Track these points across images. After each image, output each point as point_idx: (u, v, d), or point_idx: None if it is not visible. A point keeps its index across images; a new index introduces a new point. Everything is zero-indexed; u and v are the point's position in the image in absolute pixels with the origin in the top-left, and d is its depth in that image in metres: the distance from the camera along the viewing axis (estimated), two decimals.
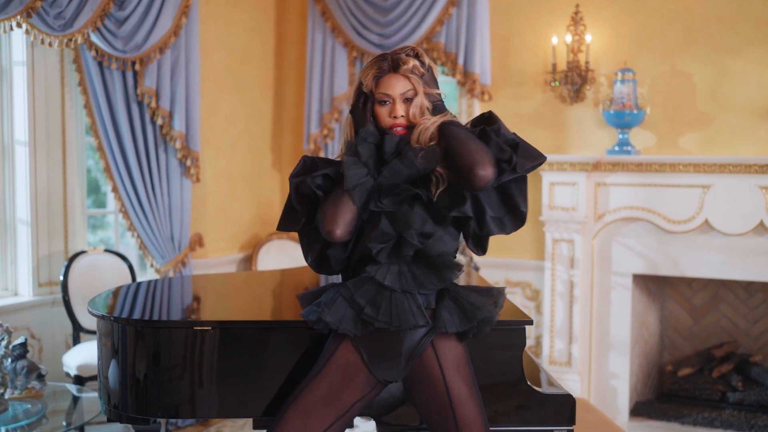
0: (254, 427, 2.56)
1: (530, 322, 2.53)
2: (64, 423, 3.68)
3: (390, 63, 2.23)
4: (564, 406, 2.50)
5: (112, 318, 2.59)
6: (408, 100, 2.23)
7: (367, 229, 2.22)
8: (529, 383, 2.47)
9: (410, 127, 2.23)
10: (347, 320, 2.19)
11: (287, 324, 2.53)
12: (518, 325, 2.50)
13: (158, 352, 2.50)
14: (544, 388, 2.55)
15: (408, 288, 2.17)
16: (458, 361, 2.26)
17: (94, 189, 6.92)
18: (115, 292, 3.07)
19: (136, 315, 2.74)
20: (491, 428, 2.36)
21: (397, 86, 2.22)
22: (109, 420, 2.72)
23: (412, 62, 2.23)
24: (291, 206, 2.31)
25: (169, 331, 2.50)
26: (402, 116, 2.21)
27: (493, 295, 2.26)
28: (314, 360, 2.38)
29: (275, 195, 5.94)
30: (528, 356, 2.90)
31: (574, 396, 2.52)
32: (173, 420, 4.63)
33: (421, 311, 2.18)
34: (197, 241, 5.08)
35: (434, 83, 2.30)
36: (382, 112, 2.24)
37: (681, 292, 5.38)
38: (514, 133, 2.19)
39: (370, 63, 2.28)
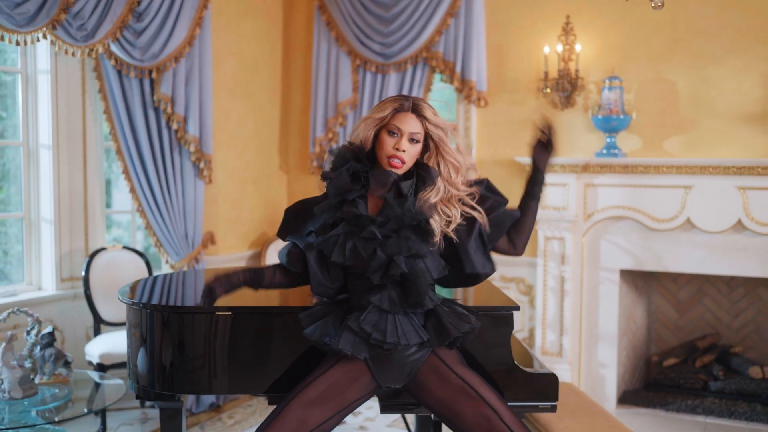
0: (270, 403, 2.86)
1: (517, 308, 2.83)
2: (86, 409, 3.94)
3: (411, 104, 2.50)
4: (548, 384, 2.78)
5: (141, 305, 2.89)
6: (413, 141, 2.48)
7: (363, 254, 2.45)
8: (516, 363, 2.76)
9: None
10: (358, 346, 2.46)
11: (292, 310, 2.82)
12: (507, 311, 2.80)
13: (182, 336, 2.79)
14: (532, 369, 2.84)
15: (398, 311, 2.46)
16: (459, 359, 2.57)
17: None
18: (141, 284, 3.37)
19: (163, 302, 3.04)
20: None
21: (409, 124, 2.47)
22: (138, 397, 3.01)
23: (430, 110, 2.50)
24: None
25: (192, 317, 2.80)
26: (404, 152, 2.46)
27: (470, 320, 2.53)
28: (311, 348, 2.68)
29: (282, 196, 6.24)
30: (520, 344, 3.19)
31: (557, 375, 2.80)
32: (187, 407, 4.93)
33: (421, 330, 2.48)
34: (209, 239, 5.37)
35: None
36: (389, 141, 2.46)
37: (667, 288, 5.67)
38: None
39: (392, 98, 2.51)
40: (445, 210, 2.50)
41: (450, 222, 2.49)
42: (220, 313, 2.79)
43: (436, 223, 2.46)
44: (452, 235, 2.49)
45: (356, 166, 2.49)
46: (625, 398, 5.34)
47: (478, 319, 2.54)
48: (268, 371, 2.77)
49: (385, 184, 2.49)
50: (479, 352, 2.71)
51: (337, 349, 2.45)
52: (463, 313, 2.54)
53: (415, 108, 2.49)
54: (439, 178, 2.51)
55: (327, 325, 2.53)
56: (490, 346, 2.74)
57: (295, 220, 2.62)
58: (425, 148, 2.54)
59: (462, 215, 2.51)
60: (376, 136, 2.51)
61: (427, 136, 2.51)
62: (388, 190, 2.49)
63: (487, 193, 2.60)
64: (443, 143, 2.52)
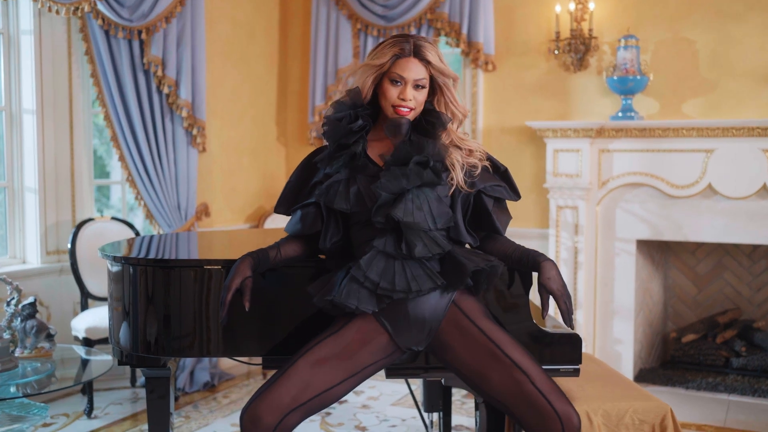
0: (264, 368, 2.58)
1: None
2: (71, 383, 3.70)
3: (412, 47, 2.23)
4: (571, 345, 2.51)
5: (123, 260, 2.62)
6: (418, 87, 2.24)
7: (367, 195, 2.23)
8: (534, 321, 2.50)
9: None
10: (364, 299, 2.18)
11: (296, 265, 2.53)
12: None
13: (168, 292, 2.52)
14: (551, 329, 2.58)
15: (405, 256, 2.18)
16: (483, 312, 2.27)
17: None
18: (130, 242, 3.11)
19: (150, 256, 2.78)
20: None
21: (413, 70, 2.22)
22: (120, 363, 2.75)
23: (434, 52, 2.25)
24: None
25: (179, 271, 2.53)
26: (411, 100, 2.23)
27: (491, 259, 2.26)
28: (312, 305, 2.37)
29: (280, 168, 5.98)
30: (536, 307, 2.93)
31: (580, 336, 2.54)
32: (180, 386, 4.68)
33: (435, 273, 2.20)
34: (203, 211, 5.12)
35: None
36: (392, 90, 2.23)
37: (684, 261, 5.40)
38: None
39: (390, 41, 2.26)
40: (450, 155, 2.28)
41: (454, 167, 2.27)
42: (209, 267, 2.52)
43: (453, 170, 2.25)
44: (460, 182, 2.26)
45: (357, 112, 2.26)
46: (642, 376, 5.07)
47: (496, 263, 2.25)
48: (268, 331, 2.48)
49: (399, 132, 2.26)
50: (497, 311, 2.45)
51: (341, 303, 2.17)
52: (483, 255, 2.27)
53: (418, 51, 2.23)
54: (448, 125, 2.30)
55: (331, 283, 2.25)
56: (509, 306, 2.47)
57: (297, 190, 2.39)
58: (432, 90, 2.31)
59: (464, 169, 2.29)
60: (378, 83, 2.27)
61: (432, 79, 2.28)
62: (404, 137, 2.26)
63: (497, 175, 2.37)
64: (448, 89, 2.30)
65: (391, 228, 2.20)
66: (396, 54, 2.23)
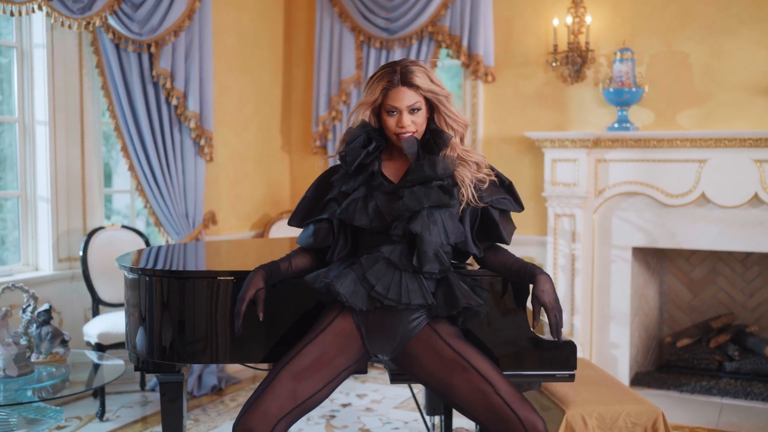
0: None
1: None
2: (84, 388, 3.82)
3: (399, 76, 2.36)
4: (566, 352, 2.64)
5: (140, 271, 2.75)
6: (414, 111, 2.37)
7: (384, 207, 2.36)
8: (533, 330, 2.63)
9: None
10: (357, 295, 2.32)
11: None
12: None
13: (183, 301, 2.65)
14: (547, 337, 2.70)
15: (409, 269, 2.33)
16: (456, 334, 2.40)
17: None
18: (144, 253, 3.25)
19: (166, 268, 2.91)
20: None
21: (404, 99, 2.35)
22: (136, 369, 2.88)
23: (421, 74, 2.37)
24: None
25: (193, 282, 2.66)
26: (409, 125, 2.36)
27: (478, 300, 2.38)
28: (314, 315, 2.53)
29: (284, 176, 6.11)
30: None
31: (575, 343, 2.67)
32: (188, 390, 4.81)
33: (428, 293, 2.34)
34: (210, 219, 5.25)
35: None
36: (389, 121, 2.37)
37: (680, 267, 5.54)
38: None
39: (379, 74, 2.39)
40: (460, 171, 2.42)
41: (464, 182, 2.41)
42: (222, 278, 2.65)
43: (464, 186, 2.40)
44: (471, 198, 2.40)
45: (369, 134, 2.42)
46: (638, 380, 5.21)
47: (485, 303, 2.40)
48: (273, 339, 2.62)
49: (413, 151, 2.39)
50: (496, 319, 2.58)
51: (336, 292, 2.31)
52: (472, 288, 2.41)
53: (405, 79, 2.36)
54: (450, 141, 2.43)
55: (329, 272, 2.40)
56: (507, 313, 2.61)
57: (311, 206, 2.53)
58: (430, 107, 2.44)
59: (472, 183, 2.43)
60: (378, 115, 2.43)
61: (427, 101, 2.42)
62: (417, 154, 2.40)
63: (502, 188, 2.50)
64: (443, 106, 2.42)
65: (404, 241, 2.34)
66: (385, 87, 2.36)
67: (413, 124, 2.37)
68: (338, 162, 2.48)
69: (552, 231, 5.20)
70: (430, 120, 2.45)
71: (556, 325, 2.37)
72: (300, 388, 2.31)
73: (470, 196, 2.39)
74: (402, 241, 2.34)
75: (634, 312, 5.21)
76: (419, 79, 2.36)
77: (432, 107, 2.43)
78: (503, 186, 2.51)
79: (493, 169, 2.50)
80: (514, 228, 2.51)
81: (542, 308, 2.38)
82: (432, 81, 2.40)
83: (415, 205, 2.31)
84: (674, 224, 4.96)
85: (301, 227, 2.56)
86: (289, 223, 2.59)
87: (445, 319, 2.41)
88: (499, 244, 2.51)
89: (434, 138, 2.42)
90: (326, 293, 2.37)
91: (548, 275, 2.41)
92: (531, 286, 2.44)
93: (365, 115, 2.41)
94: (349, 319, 2.39)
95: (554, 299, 2.36)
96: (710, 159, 4.81)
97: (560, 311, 2.38)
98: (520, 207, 2.51)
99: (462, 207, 2.41)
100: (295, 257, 2.52)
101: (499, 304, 2.59)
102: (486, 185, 2.43)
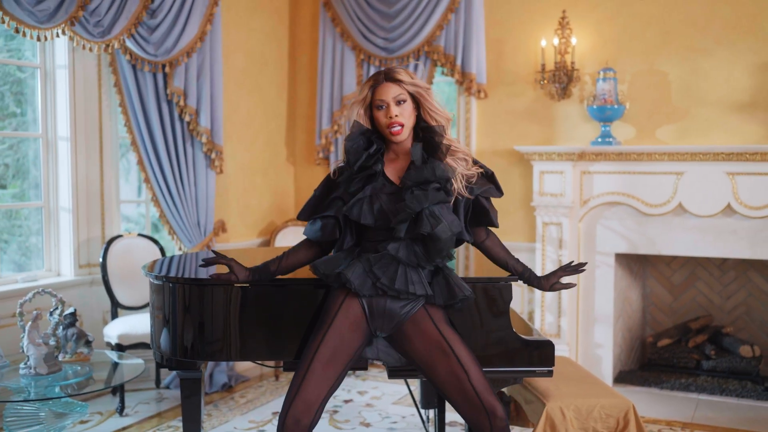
0: (284, 369, 3.05)
1: (515, 279, 3.03)
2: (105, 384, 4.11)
3: (383, 75, 2.69)
4: (545, 350, 2.97)
5: (164, 278, 3.09)
6: (400, 102, 2.67)
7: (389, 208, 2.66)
8: (514, 330, 2.96)
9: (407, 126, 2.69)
10: (365, 285, 2.63)
11: (300, 282, 2.96)
12: (506, 282, 2.99)
13: (203, 305, 2.98)
14: (530, 336, 3.03)
15: (414, 263, 2.64)
16: (445, 319, 2.73)
17: None
18: (158, 262, 3.57)
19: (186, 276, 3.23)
20: (483, 369, 2.83)
21: (389, 91, 2.63)
22: (160, 366, 3.20)
23: (403, 72, 2.68)
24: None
25: (211, 288, 2.99)
26: (397, 116, 2.65)
27: (466, 290, 2.73)
28: (314, 317, 2.84)
29: (289, 186, 6.46)
30: (520, 318, 3.38)
31: (553, 342, 3.00)
32: None
33: (426, 283, 2.66)
34: (220, 227, 5.59)
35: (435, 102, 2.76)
36: (380, 115, 2.65)
37: (661, 272, 5.88)
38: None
39: (367, 79, 2.70)
40: (451, 164, 2.71)
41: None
42: (238, 285, 2.97)
43: (455, 181, 2.69)
44: (463, 190, 2.70)
45: (368, 137, 2.70)
46: (621, 377, 5.55)
47: (472, 293, 2.75)
48: (281, 341, 2.92)
49: (419, 156, 2.66)
50: (484, 320, 2.90)
51: (345, 279, 2.61)
52: (461, 280, 2.75)
53: (389, 76, 2.67)
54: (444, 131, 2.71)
55: (338, 260, 2.70)
56: (493, 315, 2.92)
57: (319, 202, 2.80)
58: (416, 104, 2.71)
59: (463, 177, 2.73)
60: (372, 117, 2.70)
61: (412, 96, 2.69)
62: (416, 154, 2.67)
63: (485, 178, 2.80)
64: (424, 98, 2.69)
65: (408, 238, 2.64)
66: (372, 85, 2.69)
67: (401, 116, 2.64)
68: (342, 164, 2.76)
69: (540, 238, 5.54)
70: (419, 118, 2.72)
71: (573, 268, 2.88)
72: (330, 374, 2.61)
73: (461, 188, 2.69)
74: (406, 238, 2.64)
75: (618, 314, 5.55)
76: (402, 75, 2.67)
77: (417, 104, 2.71)
78: (487, 176, 2.81)
79: (476, 161, 2.80)
80: (496, 212, 2.84)
81: (558, 274, 2.89)
82: (413, 78, 2.70)
83: (416, 206, 2.60)
84: (654, 232, 5.30)
85: (308, 220, 2.85)
86: (298, 217, 2.87)
87: (439, 306, 2.72)
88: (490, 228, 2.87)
89: (429, 134, 2.70)
90: (335, 279, 2.68)
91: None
92: (517, 289, 2.81)
93: (358, 114, 2.69)
94: (356, 302, 2.67)
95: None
96: (687, 171, 5.15)
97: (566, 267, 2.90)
98: (500, 192, 2.83)
99: (453, 198, 2.71)
100: (290, 255, 2.81)
101: (485, 308, 2.91)
102: (475, 179, 2.74)
